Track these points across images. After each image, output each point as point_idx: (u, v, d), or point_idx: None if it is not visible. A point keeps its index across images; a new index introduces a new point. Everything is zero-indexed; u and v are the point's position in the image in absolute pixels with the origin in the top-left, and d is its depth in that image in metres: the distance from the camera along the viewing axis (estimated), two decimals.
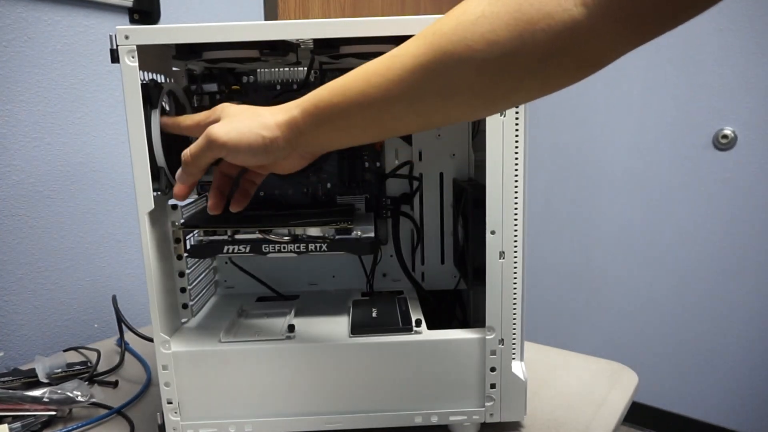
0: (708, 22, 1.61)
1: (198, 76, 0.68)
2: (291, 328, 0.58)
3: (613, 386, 0.70)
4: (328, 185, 0.72)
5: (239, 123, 0.48)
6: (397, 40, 0.55)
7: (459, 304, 0.76)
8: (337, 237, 0.61)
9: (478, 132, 0.69)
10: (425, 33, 0.40)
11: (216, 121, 0.50)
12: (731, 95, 1.62)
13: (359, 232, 0.62)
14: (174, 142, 0.61)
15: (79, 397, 0.64)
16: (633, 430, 1.88)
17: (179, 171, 0.53)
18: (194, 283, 0.66)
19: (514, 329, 0.56)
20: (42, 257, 0.92)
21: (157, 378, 0.56)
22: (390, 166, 0.73)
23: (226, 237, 0.61)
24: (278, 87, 0.70)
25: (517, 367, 0.57)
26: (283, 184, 0.72)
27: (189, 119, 0.53)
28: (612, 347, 1.93)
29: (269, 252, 0.61)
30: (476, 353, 0.57)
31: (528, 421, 0.61)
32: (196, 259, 0.65)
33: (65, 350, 0.85)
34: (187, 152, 0.50)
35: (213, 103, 0.69)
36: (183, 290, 0.63)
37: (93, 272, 0.99)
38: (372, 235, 0.62)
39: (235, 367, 0.56)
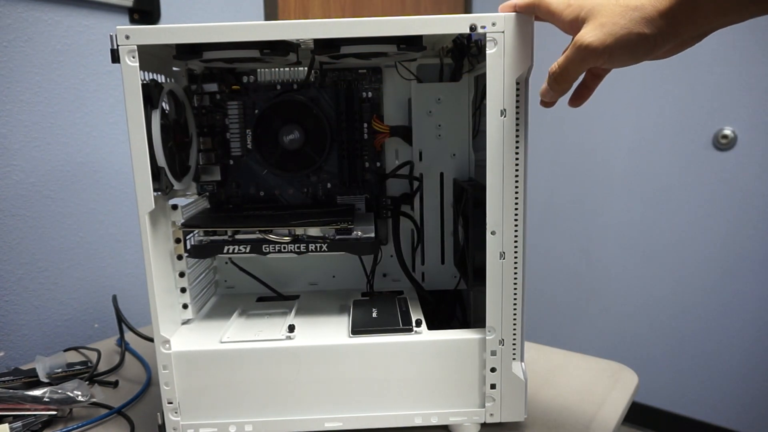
0: None
1: (198, 76, 0.68)
2: (291, 328, 0.58)
3: (613, 386, 0.70)
4: (328, 185, 0.72)
5: (613, 26, 0.41)
6: (398, 40, 0.56)
7: (459, 304, 0.76)
8: (337, 237, 0.61)
9: (478, 132, 0.69)
10: None
11: (581, 22, 0.44)
12: (731, 95, 1.62)
13: (359, 233, 0.62)
14: (174, 142, 0.61)
15: (80, 397, 0.64)
16: (633, 430, 1.88)
17: (545, 86, 0.48)
18: (194, 283, 0.66)
19: (515, 329, 0.56)
20: (42, 257, 0.91)
21: (157, 378, 0.56)
22: (390, 166, 0.73)
23: (226, 237, 0.61)
24: (278, 87, 0.70)
25: (517, 368, 0.57)
26: (283, 183, 0.72)
27: (550, 5, 0.47)
28: (612, 347, 1.93)
29: (269, 252, 0.61)
30: (476, 353, 0.57)
31: (528, 422, 0.61)
32: (197, 259, 0.65)
33: (65, 350, 0.85)
34: (555, 66, 0.46)
35: (213, 102, 0.69)
36: (183, 290, 0.63)
37: (93, 272, 0.99)
38: (372, 235, 0.62)
39: (235, 367, 0.56)
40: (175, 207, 0.61)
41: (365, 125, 0.71)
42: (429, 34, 0.53)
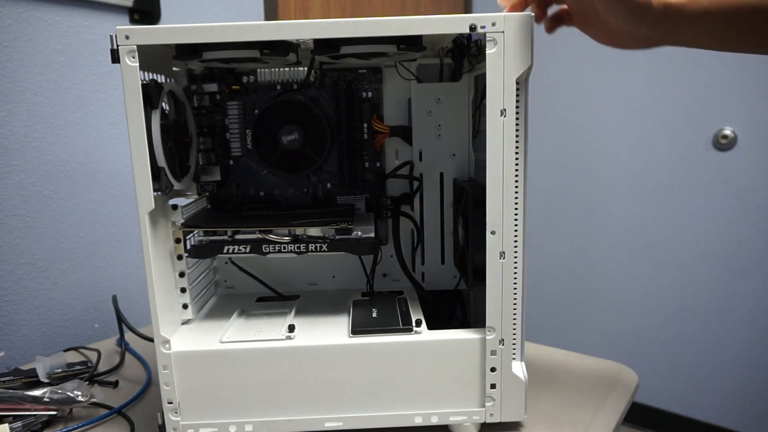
0: None
1: (198, 76, 0.68)
2: (291, 328, 0.58)
3: (613, 386, 0.70)
4: (328, 185, 0.72)
5: None
6: (398, 40, 0.56)
7: (459, 304, 0.76)
8: (337, 237, 0.61)
9: (478, 132, 0.69)
10: None
11: None
12: (731, 95, 1.62)
13: (359, 233, 0.62)
14: (174, 142, 0.62)
15: (80, 397, 0.64)
16: (633, 430, 1.88)
17: None
18: (194, 283, 0.66)
19: (515, 329, 0.56)
20: (42, 257, 0.91)
21: (158, 378, 0.56)
22: (390, 166, 0.73)
23: (226, 237, 0.61)
24: (278, 87, 0.70)
25: (517, 367, 0.57)
26: (283, 184, 0.72)
27: None
28: (612, 347, 1.93)
29: (269, 252, 0.61)
30: (476, 353, 0.57)
31: (528, 421, 0.61)
32: (196, 259, 0.65)
33: (65, 350, 0.85)
34: None
35: (213, 103, 0.70)
36: (183, 290, 0.63)
37: (93, 272, 0.99)
38: (372, 235, 0.62)
39: (235, 367, 0.56)
40: (175, 207, 0.61)
41: (365, 125, 0.71)
42: (429, 34, 0.53)
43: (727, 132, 1.63)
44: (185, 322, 0.63)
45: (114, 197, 1.00)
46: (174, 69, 0.66)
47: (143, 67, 0.52)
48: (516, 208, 0.54)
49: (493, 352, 0.56)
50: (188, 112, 0.66)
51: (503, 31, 0.51)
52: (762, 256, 1.63)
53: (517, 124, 0.52)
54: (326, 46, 0.56)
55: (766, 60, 1.55)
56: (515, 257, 0.55)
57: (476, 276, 0.59)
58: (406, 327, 0.58)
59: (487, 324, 0.56)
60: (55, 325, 0.94)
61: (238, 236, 0.62)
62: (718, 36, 0.51)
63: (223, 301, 0.72)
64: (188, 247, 0.62)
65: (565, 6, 0.57)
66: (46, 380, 0.71)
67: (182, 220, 0.61)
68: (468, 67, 0.69)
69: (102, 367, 0.78)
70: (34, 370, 0.72)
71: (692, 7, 0.49)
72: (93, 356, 0.81)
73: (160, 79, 0.61)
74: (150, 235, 0.53)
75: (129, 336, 0.84)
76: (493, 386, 0.57)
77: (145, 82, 0.55)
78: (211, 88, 0.68)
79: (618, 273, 1.89)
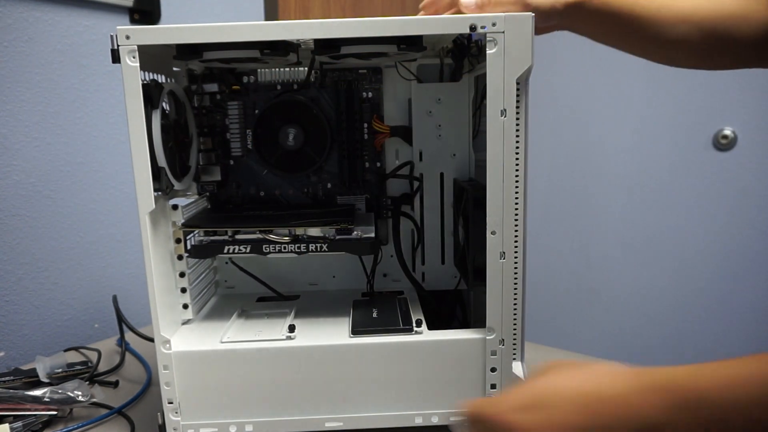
0: None
1: (198, 76, 0.68)
2: (291, 328, 0.58)
3: None
4: (329, 185, 0.72)
5: None
6: (398, 40, 0.56)
7: (459, 304, 0.76)
8: (337, 237, 0.61)
9: (478, 132, 0.69)
10: None
11: None
12: (731, 95, 1.62)
13: (360, 233, 0.62)
14: (174, 142, 0.62)
15: (80, 397, 0.64)
16: None
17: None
18: (195, 283, 0.66)
19: (515, 329, 0.56)
20: (42, 257, 0.91)
21: (158, 378, 0.56)
22: (390, 166, 0.73)
23: (226, 237, 0.62)
24: (278, 87, 0.70)
25: (518, 368, 0.57)
26: (283, 184, 0.72)
27: None
28: (612, 347, 1.93)
29: (270, 252, 0.61)
30: (477, 354, 0.57)
31: None
32: (197, 260, 0.65)
33: (66, 350, 0.85)
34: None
35: (213, 103, 0.70)
36: (183, 290, 0.63)
37: (93, 272, 0.99)
38: (372, 235, 0.62)
39: (235, 367, 0.56)
40: (175, 207, 0.61)
41: (365, 125, 0.71)
42: (429, 34, 0.53)
43: (727, 132, 1.63)
44: (185, 322, 0.63)
45: (114, 197, 1.00)
46: (174, 69, 0.66)
47: (143, 67, 0.52)
48: (516, 208, 0.54)
49: (494, 353, 0.56)
50: (188, 112, 0.66)
51: (503, 32, 0.51)
52: (762, 256, 1.63)
53: (517, 124, 0.52)
54: (326, 46, 0.56)
55: None
56: (515, 257, 0.55)
57: (476, 276, 0.59)
58: (407, 327, 0.58)
59: (488, 324, 0.56)
60: (55, 325, 0.94)
61: (239, 236, 0.62)
62: (604, 31, 0.62)
63: (223, 301, 0.73)
64: (188, 247, 0.62)
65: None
66: (46, 380, 0.71)
67: (183, 220, 0.61)
68: (468, 67, 0.69)
69: (102, 367, 0.78)
70: (34, 370, 0.72)
71: (587, 5, 0.58)
72: (93, 356, 0.81)
73: (161, 79, 0.61)
74: (150, 235, 0.53)
75: (129, 336, 0.84)
76: (493, 386, 0.57)
77: (145, 82, 0.55)
78: (212, 88, 0.68)
79: (618, 273, 1.89)
